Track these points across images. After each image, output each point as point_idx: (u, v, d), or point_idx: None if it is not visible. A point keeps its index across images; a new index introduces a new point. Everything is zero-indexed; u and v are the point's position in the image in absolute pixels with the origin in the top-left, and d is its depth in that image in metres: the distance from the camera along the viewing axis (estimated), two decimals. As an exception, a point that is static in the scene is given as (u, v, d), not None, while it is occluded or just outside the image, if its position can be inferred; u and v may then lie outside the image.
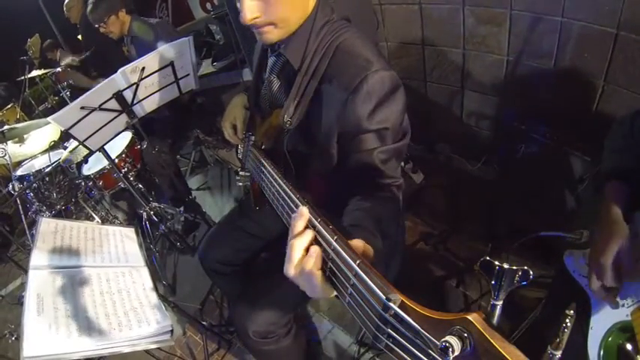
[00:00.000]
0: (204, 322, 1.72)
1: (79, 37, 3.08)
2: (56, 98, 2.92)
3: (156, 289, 1.24)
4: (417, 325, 0.40)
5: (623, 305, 0.85)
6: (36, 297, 1.05)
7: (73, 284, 1.15)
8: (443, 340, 0.36)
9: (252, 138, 1.12)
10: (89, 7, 2.09)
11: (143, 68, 1.47)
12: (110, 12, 2.09)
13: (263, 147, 1.04)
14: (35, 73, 2.77)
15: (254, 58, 1.17)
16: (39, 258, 1.19)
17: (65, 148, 2.01)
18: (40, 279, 1.12)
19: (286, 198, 0.76)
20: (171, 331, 1.09)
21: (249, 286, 1.30)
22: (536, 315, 1.33)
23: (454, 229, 1.94)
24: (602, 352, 0.86)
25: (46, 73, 2.71)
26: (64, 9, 2.96)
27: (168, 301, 1.48)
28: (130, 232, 1.47)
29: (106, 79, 1.43)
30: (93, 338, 0.99)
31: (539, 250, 1.44)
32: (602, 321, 0.88)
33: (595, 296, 0.89)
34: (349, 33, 0.86)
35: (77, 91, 2.55)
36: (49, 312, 1.02)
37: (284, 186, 0.77)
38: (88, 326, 1.02)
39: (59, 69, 2.59)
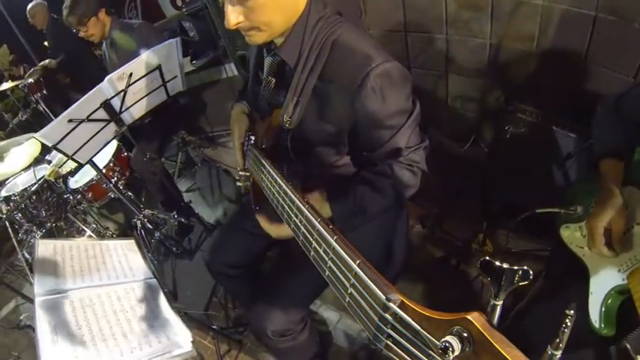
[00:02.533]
0: (214, 326, 1.72)
1: (46, 43, 2.90)
2: (28, 110, 2.76)
3: (168, 300, 1.23)
4: (416, 325, 0.40)
5: (619, 270, 0.93)
6: (48, 326, 1.01)
7: (83, 307, 1.12)
8: (443, 340, 0.36)
9: (252, 138, 1.11)
10: (66, 10, 1.94)
11: (131, 74, 1.41)
12: (90, 13, 1.97)
13: (263, 147, 1.03)
14: (6, 85, 2.60)
15: (249, 58, 1.15)
16: (42, 284, 1.14)
17: (48, 162, 1.92)
18: (49, 307, 1.07)
19: (286, 198, 0.77)
20: (192, 341, 1.09)
21: (261, 286, 1.31)
22: (536, 287, 1.41)
23: (449, 211, 2.01)
24: (602, 313, 0.94)
25: (17, 85, 2.54)
26: (28, 15, 2.78)
27: (178, 309, 1.47)
28: (131, 244, 1.44)
29: (93, 89, 1.37)
30: (115, 361, 0.98)
31: (534, 225, 1.51)
32: (601, 286, 0.95)
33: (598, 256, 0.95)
34: (344, 28, 0.86)
35: (51, 102, 2.42)
36: (65, 340, 0.99)
37: (284, 186, 0.78)
38: (107, 349, 1.00)
39: (31, 80, 2.44)
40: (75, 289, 1.18)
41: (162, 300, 1.23)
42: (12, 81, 2.58)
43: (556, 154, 1.55)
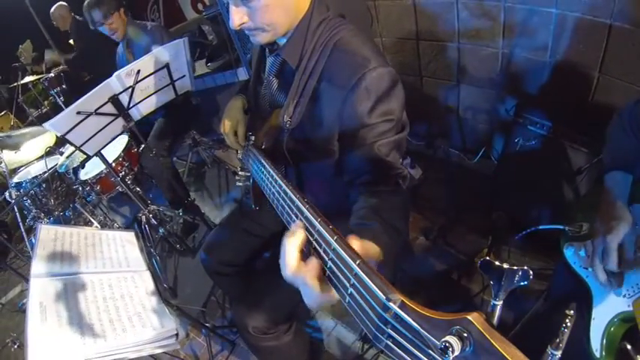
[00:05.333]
0: (207, 324, 1.72)
1: (71, 41, 3.05)
2: (49, 103, 2.90)
3: (159, 293, 1.24)
4: (416, 326, 0.40)
5: (624, 296, 0.86)
6: (38, 306, 1.04)
7: (75, 291, 1.14)
8: (443, 340, 0.36)
9: (252, 138, 1.11)
10: (92, 5, 2.04)
11: (138, 71, 1.46)
12: (114, 8, 2.07)
13: (263, 147, 1.03)
14: (28, 79, 2.74)
15: (252, 58, 1.17)
16: (40, 266, 1.18)
17: (61, 153, 2.00)
18: (42, 287, 1.11)
19: (286, 198, 0.76)
20: (177, 335, 1.09)
21: (251, 283, 1.30)
22: (537, 307, 1.34)
23: (454, 223, 1.95)
24: (604, 343, 0.87)
25: (38, 79, 2.68)
26: (51, 17, 2.93)
27: (171, 305, 1.48)
28: (131, 236, 1.46)
29: (101, 84, 1.42)
30: (98, 345, 0.99)
31: (539, 242, 1.45)
32: (604, 312, 0.89)
33: (599, 282, 0.90)
34: (346, 30, 0.86)
35: (70, 96, 2.53)
36: (53, 320, 1.01)
37: (284, 186, 0.77)
38: (92, 333, 1.02)
39: (52, 74, 2.56)
40: (69, 274, 1.20)
41: (154, 292, 1.24)
42: (34, 75, 2.73)
43: (566, 169, 1.49)
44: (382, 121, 0.82)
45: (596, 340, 0.88)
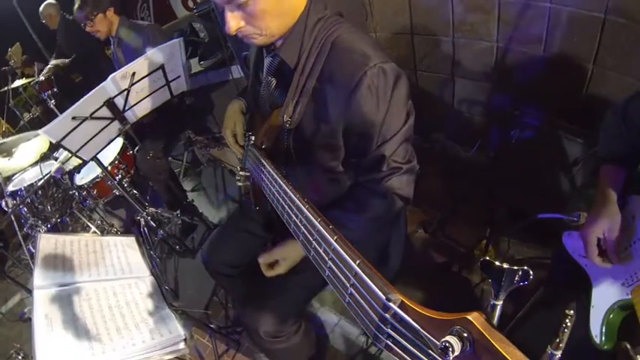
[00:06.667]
0: (212, 325, 1.72)
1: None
2: (39, 107, 2.84)
3: (164, 297, 1.23)
4: (416, 325, 0.40)
5: (623, 284, 0.89)
6: (44, 317, 1.03)
7: (80, 301, 1.13)
8: (443, 340, 0.36)
9: (252, 138, 1.11)
10: (76, 4, 2.01)
11: (134, 73, 1.43)
12: (98, 9, 2.02)
13: (263, 147, 1.03)
14: (18, 82, 2.68)
15: (250, 58, 1.16)
16: (42, 277, 1.16)
17: (55, 158, 1.96)
18: (46, 298, 1.10)
19: (286, 198, 0.77)
20: (185, 339, 1.09)
21: (257, 286, 1.30)
22: (538, 295, 1.37)
23: (452, 216, 1.97)
24: (604, 330, 0.90)
25: (29, 82, 2.62)
26: (40, 16, 2.86)
27: (175, 308, 1.48)
28: (131, 241, 1.45)
29: (97, 87, 1.39)
30: (106, 354, 0.99)
31: (537, 232, 1.47)
32: (603, 300, 0.92)
33: (597, 266, 0.92)
34: (344, 28, 0.86)
35: (62, 100, 2.48)
36: (59, 331, 1.00)
37: (284, 186, 0.78)
38: (100, 342, 1.01)
39: (42, 77, 2.51)
40: (73, 283, 1.19)
41: (159, 297, 1.24)
42: (25, 78, 2.67)
43: (563, 160, 1.51)
44: (389, 118, 0.83)
45: (595, 327, 0.91)
